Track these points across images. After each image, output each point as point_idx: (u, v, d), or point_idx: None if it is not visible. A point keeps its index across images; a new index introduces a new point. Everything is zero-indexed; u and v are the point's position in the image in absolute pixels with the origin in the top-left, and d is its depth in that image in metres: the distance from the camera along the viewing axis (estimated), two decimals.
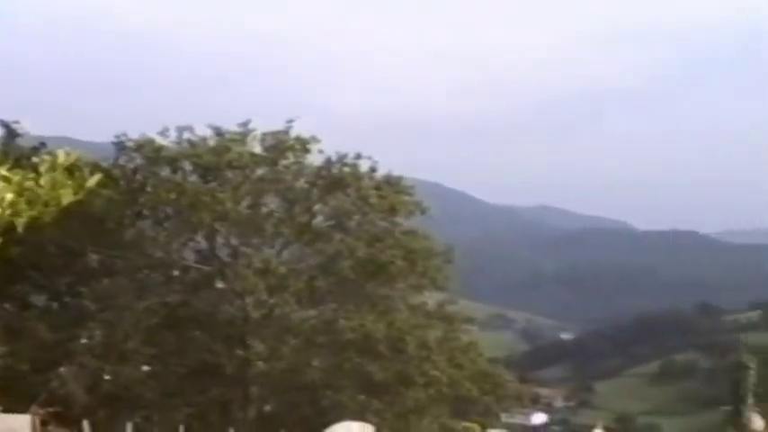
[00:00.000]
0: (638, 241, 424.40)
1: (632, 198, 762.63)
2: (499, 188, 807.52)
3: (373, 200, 38.01)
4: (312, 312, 40.29)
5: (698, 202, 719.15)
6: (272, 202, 39.07)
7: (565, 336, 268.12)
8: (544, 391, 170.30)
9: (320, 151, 38.44)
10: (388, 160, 39.85)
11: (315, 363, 38.80)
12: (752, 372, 32.93)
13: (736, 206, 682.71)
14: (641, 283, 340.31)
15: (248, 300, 37.31)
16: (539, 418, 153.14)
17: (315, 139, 38.17)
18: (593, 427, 21.85)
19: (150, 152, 37.55)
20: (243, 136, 37.81)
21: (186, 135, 37.86)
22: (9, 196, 6.52)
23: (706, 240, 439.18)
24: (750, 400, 32.76)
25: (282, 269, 38.14)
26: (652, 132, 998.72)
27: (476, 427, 21.07)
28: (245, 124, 38.07)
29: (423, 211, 39.61)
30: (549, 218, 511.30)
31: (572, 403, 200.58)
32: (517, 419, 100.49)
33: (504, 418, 45.05)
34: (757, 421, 32.65)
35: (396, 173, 39.45)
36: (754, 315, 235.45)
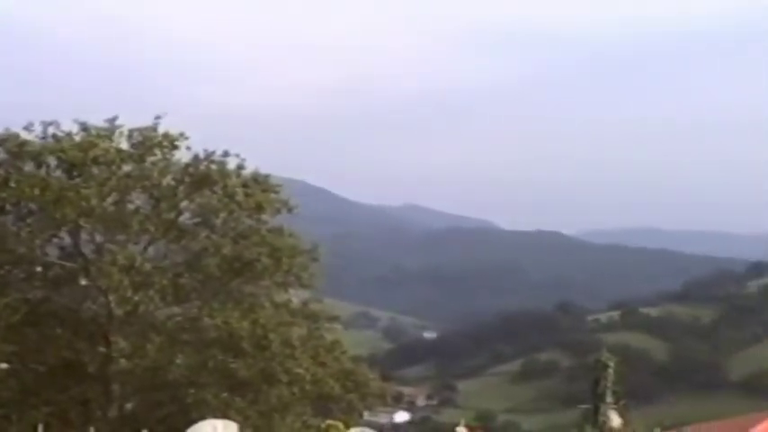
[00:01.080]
0: (503, 241, 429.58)
1: (498, 198, 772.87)
2: (365, 187, 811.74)
3: (240, 197, 37.92)
4: (177, 310, 40.06)
5: (562, 203, 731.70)
6: (138, 199, 38.66)
7: (428, 334, 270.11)
8: (407, 390, 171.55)
9: (188, 148, 38.23)
10: (254, 158, 39.87)
11: (178, 360, 38.53)
12: (611, 371, 33.62)
13: (598, 207, 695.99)
14: (505, 283, 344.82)
15: (112, 297, 36.93)
16: (401, 416, 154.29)
17: (182, 136, 37.95)
18: (456, 425, 22.34)
19: (14, 147, 36.99)
20: (109, 132, 37.38)
21: (51, 130, 37.35)
22: None
23: (569, 241, 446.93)
24: (609, 399, 33.45)
25: (147, 266, 37.87)
26: (518, 133, 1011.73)
27: (339, 425, 21.23)
28: (111, 120, 37.68)
29: (289, 209, 39.65)
30: (415, 216, 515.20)
31: (434, 402, 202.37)
32: (380, 418, 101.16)
33: (368, 416, 45.31)
34: (615, 419, 33.37)
35: (262, 171, 39.46)
36: (615, 315, 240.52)
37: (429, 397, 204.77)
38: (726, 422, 50.62)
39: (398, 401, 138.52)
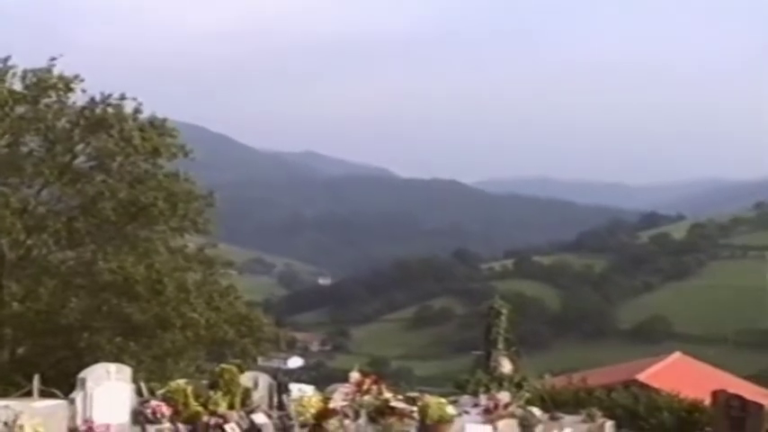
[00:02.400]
0: (400, 189, 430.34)
1: (395, 147, 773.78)
2: (265, 133, 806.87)
3: (136, 141, 37.53)
4: (71, 254, 39.71)
5: (458, 153, 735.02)
6: (32, 142, 38.12)
7: (323, 281, 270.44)
8: (301, 336, 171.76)
9: (83, 91, 37.74)
10: (152, 102, 39.50)
11: (72, 305, 38.25)
12: (503, 317, 34.10)
13: (494, 157, 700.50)
14: (401, 230, 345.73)
15: (4, 240, 36.52)
16: (295, 361, 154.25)
17: (78, 79, 37.45)
18: (349, 371, 22.56)
19: None
20: (2, 73, 36.77)
21: None
22: None
23: (465, 189, 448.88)
24: (500, 345, 33.92)
25: (41, 209, 37.52)
26: (417, 84, 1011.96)
27: (233, 368, 21.28)
28: (4, 60, 37.03)
29: (186, 154, 39.36)
30: (313, 163, 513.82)
31: (328, 347, 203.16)
32: (274, 363, 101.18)
33: (261, 361, 45.30)
34: (506, 365, 33.83)
35: (160, 115, 39.14)
36: (509, 263, 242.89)
37: (323, 343, 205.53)
38: (614, 367, 51.61)
39: (292, 347, 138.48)
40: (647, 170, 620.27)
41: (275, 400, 22.29)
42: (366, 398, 21.01)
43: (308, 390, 21.95)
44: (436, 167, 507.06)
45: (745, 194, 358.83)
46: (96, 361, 20.85)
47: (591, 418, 28.25)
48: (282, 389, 22.51)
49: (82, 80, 37.59)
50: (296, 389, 22.10)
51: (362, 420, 20.21)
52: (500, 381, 32.69)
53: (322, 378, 41.18)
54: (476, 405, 25.60)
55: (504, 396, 26.78)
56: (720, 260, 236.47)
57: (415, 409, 20.96)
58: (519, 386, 32.58)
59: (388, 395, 21.37)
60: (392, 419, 20.22)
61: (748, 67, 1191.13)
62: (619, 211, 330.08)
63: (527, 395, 30.71)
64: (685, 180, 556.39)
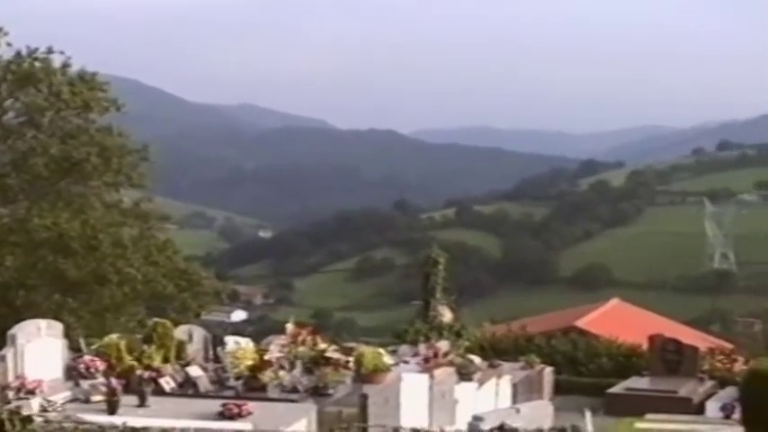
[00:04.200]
0: (338, 140, 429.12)
1: (331, 98, 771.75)
2: (199, 86, 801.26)
3: (66, 96, 37.06)
4: (4, 211, 39.22)
5: (395, 103, 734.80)
6: None
7: (263, 234, 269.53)
8: (243, 289, 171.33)
9: (8, 45, 37.18)
10: (82, 55, 38.97)
11: (7, 263, 37.88)
12: (441, 267, 34.18)
13: (432, 106, 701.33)
14: (340, 182, 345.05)
15: None
16: (238, 315, 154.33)
17: (2, 32, 36.86)
18: (285, 322, 22.57)
19: None
20: None
21: None
22: None
23: (403, 140, 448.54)
24: (439, 295, 34.02)
25: None
26: (351, 34, 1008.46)
27: (167, 322, 21.18)
28: None
29: (118, 108, 38.94)
30: (249, 116, 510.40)
31: (271, 300, 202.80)
32: (217, 317, 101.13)
33: (205, 315, 45.21)
34: (447, 314, 33.98)
35: (90, 68, 38.64)
36: (449, 213, 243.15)
37: (266, 296, 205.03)
38: (554, 315, 52.08)
39: (235, 300, 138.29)
40: (587, 118, 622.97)
41: (210, 352, 22.26)
42: (301, 349, 21.01)
43: (244, 342, 21.91)
44: (374, 118, 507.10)
45: (684, 141, 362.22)
46: (34, 318, 20.64)
47: (530, 364, 28.41)
48: (217, 341, 22.47)
49: (6, 33, 37.02)
50: (232, 341, 22.06)
51: (298, 371, 20.18)
52: (439, 330, 32.80)
53: (266, 331, 41.07)
54: (415, 354, 25.65)
55: (443, 345, 26.86)
56: (659, 206, 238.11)
57: (350, 359, 20.94)
58: (458, 335, 32.72)
59: (323, 346, 21.40)
60: (327, 370, 20.22)
61: (687, 15, 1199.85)
62: (559, 160, 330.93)
63: (466, 343, 30.86)
64: (625, 128, 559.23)
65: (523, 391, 26.00)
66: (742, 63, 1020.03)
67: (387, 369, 21.11)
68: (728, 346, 36.41)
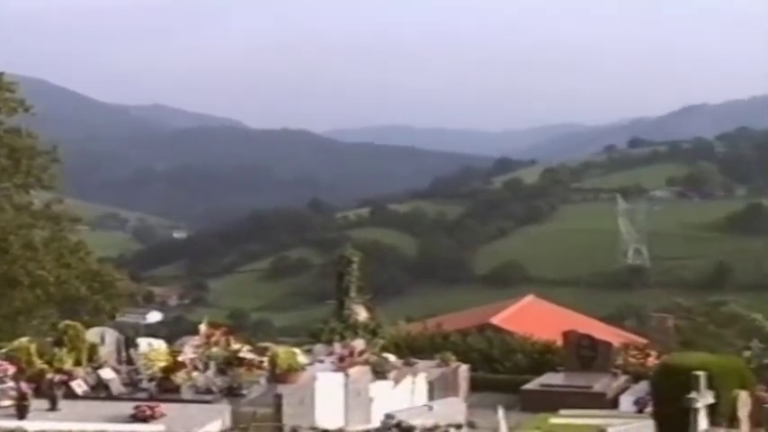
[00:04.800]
0: (251, 140, 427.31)
1: (245, 98, 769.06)
2: (110, 87, 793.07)
3: None
4: None
5: (308, 102, 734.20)
6: None
7: (178, 234, 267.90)
8: (158, 290, 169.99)
9: None
10: None
11: None
12: (355, 266, 34.17)
13: (346, 106, 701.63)
14: (254, 182, 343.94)
15: None
16: (153, 316, 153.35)
17: None
18: (200, 323, 22.47)
19: None
20: None
21: None
22: None
23: (317, 139, 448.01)
24: (353, 293, 34.00)
25: None
26: (264, 34, 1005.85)
27: (77, 324, 20.93)
28: None
29: (26, 109, 38.51)
30: (161, 116, 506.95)
31: (186, 301, 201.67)
32: (132, 319, 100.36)
33: (119, 317, 44.80)
34: (362, 313, 33.99)
35: None
36: (364, 212, 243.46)
37: (181, 297, 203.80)
38: (469, 312, 52.18)
39: (150, 302, 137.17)
40: (500, 117, 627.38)
41: (123, 354, 22.02)
42: (215, 350, 20.86)
43: (156, 344, 21.72)
44: (287, 118, 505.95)
45: (597, 139, 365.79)
46: None
47: (445, 362, 28.45)
48: (130, 343, 22.24)
49: None
50: (144, 343, 21.86)
51: (211, 372, 20.03)
52: (354, 328, 32.77)
53: (181, 332, 40.75)
54: (330, 354, 25.57)
55: (358, 344, 26.76)
56: (572, 204, 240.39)
57: (264, 359, 20.82)
58: (373, 333, 32.71)
59: (236, 346, 21.25)
60: (241, 370, 20.09)
61: (596, 13, 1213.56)
62: (473, 158, 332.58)
63: (381, 342, 30.82)
64: (538, 126, 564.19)
65: (439, 389, 26.02)
66: (652, 60, 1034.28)
67: (301, 368, 21.01)
68: (642, 341, 36.77)
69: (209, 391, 19.19)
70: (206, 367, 20.20)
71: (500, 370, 32.38)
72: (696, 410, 17.82)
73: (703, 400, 18.08)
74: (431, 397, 24.69)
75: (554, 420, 24.85)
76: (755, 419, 19.83)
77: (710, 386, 18.55)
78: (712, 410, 18.64)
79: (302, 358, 22.05)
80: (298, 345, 26.09)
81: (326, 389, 20.01)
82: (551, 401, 26.74)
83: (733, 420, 19.31)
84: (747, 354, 30.37)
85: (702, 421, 18.00)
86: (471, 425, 15.85)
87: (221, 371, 20.20)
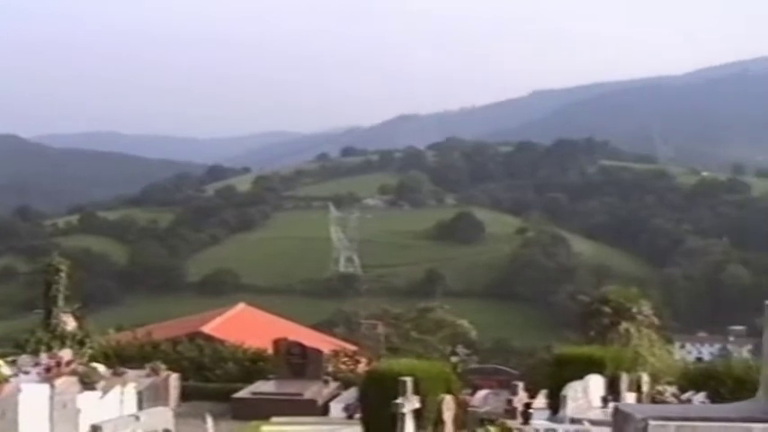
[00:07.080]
0: None
1: None
2: None
3: None
4: None
5: (17, 106, 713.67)
6: None
7: None
8: None
9: None
10: None
11: None
12: (63, 274, 33.27)
13: (54, 110, 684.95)
14: None
15: None
16: None
17: None
18: None
19: None
20: None
21: None
22: None
23: (25, 144, 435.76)
24: (61, 303, 33.14)
25: None
26: None
27: None
28: None
29: None
30: None
31: None
32: None
33: None
34: (70, 322, 33.16)
35: None
36: (74, 219, 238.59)
37: None
38: (180, 321, 51.69)
39: None
40: (212, 125, 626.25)
41: None
42: None
43: None
44: None
45: (309, 147, 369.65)
46: None
47: (155, 371, 28.14)
48: None
49: None
50: None
51: None
52: (62, 338, 31.98)
53: None
54: (36, 364, 24.87)
55: (65, 354, 26.16)
56: (285, 211, 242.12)
57: None
58: (82, 343, 31.97)
59: None
60: None
61: (307, 19, 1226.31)
62: (187, 165, 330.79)
63: (90, 352, 30.22)
64: (250, 134, 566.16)
65: (149, 399, 25.72)
66: (362, 69, 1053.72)
67: (4, 380, 20.35)
68: (352, 348, 37.28)
69: None
70: None
71: (211, 378, 32.25)
72: (403, 415, 18.21)
73: (409, 404, 18.49)
74: (140, 407, 24.39)
75: (265, 428, 24.96)
76: (459, 422, 20.41)
77: (417, 391, 19.00)
78: (419, 415, 19.09)
79: (5, 370, 21.36)
80: (2, 356, 25.27)
81: (31, 401, 19.44)
82: (263, 409, 26.82)
83: (438, 424, 19.79)
84: (454, 359, 31.25)
85: (409, 425, 18.41)
86: None
87: None
